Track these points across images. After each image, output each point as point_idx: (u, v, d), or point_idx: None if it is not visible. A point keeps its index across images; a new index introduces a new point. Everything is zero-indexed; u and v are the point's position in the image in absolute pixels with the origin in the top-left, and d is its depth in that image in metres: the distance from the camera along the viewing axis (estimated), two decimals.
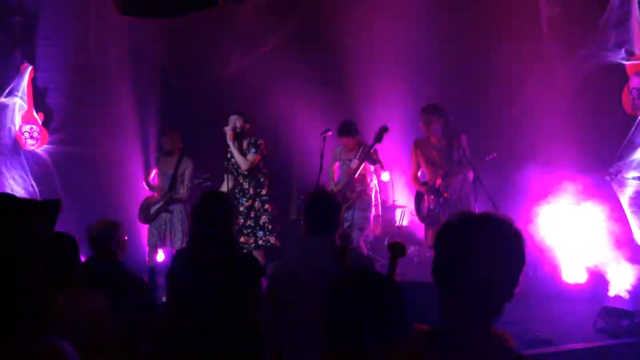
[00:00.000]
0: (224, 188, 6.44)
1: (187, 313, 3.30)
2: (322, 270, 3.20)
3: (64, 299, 2.81)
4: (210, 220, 3.40)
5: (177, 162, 7.00)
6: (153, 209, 7.00)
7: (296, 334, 3.21)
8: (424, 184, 6.63)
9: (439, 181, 6.40)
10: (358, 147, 6.73)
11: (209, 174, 6.83)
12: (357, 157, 6.62)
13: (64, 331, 1.71)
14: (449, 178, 6.37)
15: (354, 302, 1.92)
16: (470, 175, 6.26)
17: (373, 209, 6.81)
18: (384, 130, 6.42)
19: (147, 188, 7.25)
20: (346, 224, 6.59)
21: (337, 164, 6.92)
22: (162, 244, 7.04)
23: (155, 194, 7.08)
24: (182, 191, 6.93)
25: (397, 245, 2.66)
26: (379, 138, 6.45)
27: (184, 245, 6.74)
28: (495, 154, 6.28)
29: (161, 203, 6.96)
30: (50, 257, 2.90)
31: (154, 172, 7.26)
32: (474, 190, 6.06)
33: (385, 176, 7.83)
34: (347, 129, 6.64)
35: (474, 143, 6.52)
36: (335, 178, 6.89)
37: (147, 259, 7.07)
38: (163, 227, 6.97)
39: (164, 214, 6.98)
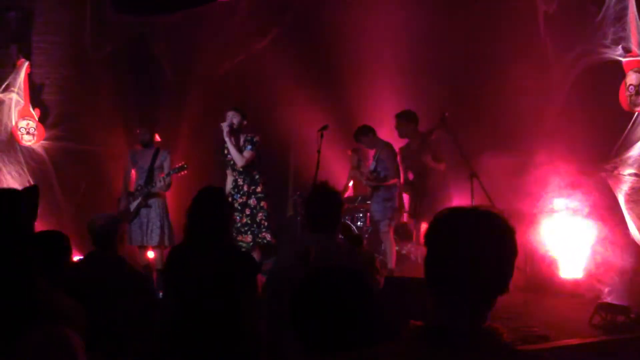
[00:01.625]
0: (229, 184, 6.42)
1: (183, 309, 3.30)
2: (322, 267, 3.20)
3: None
4: (206, 216, 3.39)
5: (154, 155, 6.78)
6: (132, 206, 6.72)
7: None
8: (409, 183, 7.30)
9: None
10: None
11: (184, 162, 6.70)
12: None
13: (69, 321, 1.73)
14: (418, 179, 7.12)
15: (318, 300, 1.83)
16: (442, 166, 6.94)
17: (389, 202, 7.17)
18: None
19: (126, 185, 6.95)
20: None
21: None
22: (147, 242, 6.75)
23: (130, 189, 6.85)
24: (160, 184, 6.66)
25: (354, 237, 2.74)
26: None
27: (164, 242, 6.69)
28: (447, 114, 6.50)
29: (139, 199, 6.71)
30: (41, 253, 2.91)
31: (132, 170, 6.96)
32: (470, 185, 6.06)
33: None
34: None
35: (470, 140, 6.53)
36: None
37: (138, 258, 6.90)
38: (145, 224, 6.71)
39: (143, 210, 6.72)
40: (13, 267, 1.65)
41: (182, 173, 6.67)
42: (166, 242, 6.73)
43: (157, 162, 6.78)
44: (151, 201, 6.73)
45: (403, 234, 7.80)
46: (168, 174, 6.68)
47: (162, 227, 6.73)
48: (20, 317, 1.61)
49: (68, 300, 2.88)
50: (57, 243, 3.05)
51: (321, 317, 1.80)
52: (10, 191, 1.81)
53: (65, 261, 3.08)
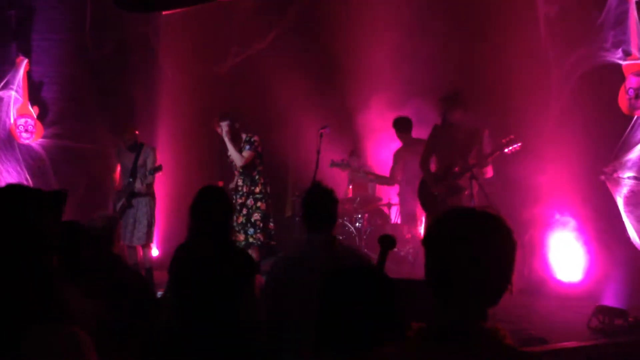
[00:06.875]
0: (233, 185, 6.41)
1: (185, 307, 3.30)
2: (321, 267, 3.20)
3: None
4: (208, 214, 3.39)
5: (137, 155, 6.75)
6: (117, 206, 6.70)
7: (294, 330, 3.20)
8: (434, 175, 6.22)
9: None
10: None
11: (159, 164, 6.64)
12: None
13: (77, 320, 1.73)
14: (459, 177, 5.99)
15: (345, 298, 1.87)
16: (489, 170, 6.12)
17: None
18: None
19: (111, 185, 6.99)
20: None
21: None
22: (133, 241, 6.73)
23: (116, 188, 6.86)
24: (139, 185, 6.63)
25: (386, 237, 2.60)
26: None
27: (151, 240, 6.74)
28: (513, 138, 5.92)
29: (123, 200, 6.69)
30: (62, 247, 2.87)
31: (118, 168, 6.98)
32: (470, 188, 6.03)
33: None
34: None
35: None
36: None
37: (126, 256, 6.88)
38: (131, 224, 6.68)
39: (129, 210, 6.69)
40: (28, 266, 1.65)
41: (158, 173, 6.62)
42: (151, 240, 6.79)
43: (140, 160, 6.75)
44: (136, 201, 6.70)
45: None
46: (145, 175, 6.62)
47: (149, 226, 6.72)
48: (30, 314, 1.62)
49: (86, 301, 2.87)
50: (77, 233, 3.02)
51: (345, 317, 1.84)
52: (18, 189, 1.80)
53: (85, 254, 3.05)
